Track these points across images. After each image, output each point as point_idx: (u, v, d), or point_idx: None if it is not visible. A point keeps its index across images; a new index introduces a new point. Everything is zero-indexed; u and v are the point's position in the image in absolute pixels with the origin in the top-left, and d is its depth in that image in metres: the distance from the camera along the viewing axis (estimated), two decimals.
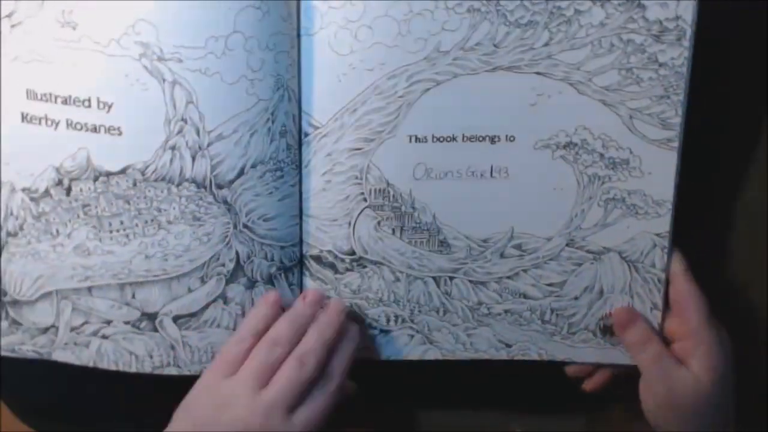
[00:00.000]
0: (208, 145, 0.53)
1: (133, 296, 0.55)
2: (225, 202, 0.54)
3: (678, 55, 0.53)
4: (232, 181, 0.54)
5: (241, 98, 0.52)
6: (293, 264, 0.58)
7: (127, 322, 0.56)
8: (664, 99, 0.54)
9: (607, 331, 0.58)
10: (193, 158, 0.53)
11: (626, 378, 0.57)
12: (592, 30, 0.53)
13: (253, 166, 0.54)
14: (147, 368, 0.56)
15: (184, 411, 0.51)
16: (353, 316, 0.58)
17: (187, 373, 0.56)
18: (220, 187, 0.54)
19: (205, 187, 0.53)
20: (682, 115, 0.54)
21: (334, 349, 0.53)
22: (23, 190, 0.54)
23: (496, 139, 0.55)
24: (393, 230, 0.57)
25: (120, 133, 0.52)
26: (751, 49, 0.59)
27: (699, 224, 0.56)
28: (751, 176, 0.61)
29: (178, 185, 0.53)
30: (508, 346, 0.59)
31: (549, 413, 0.66)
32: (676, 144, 0.54)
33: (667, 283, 0.55)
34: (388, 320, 0.59)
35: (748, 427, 0.57)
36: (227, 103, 0.52)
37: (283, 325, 0.53)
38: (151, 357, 0.56)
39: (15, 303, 0.56)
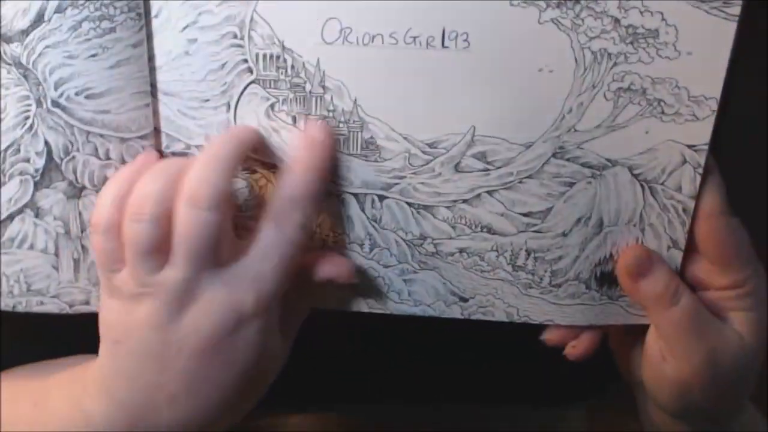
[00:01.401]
0: None
1: None
2: (18, 64, 0.38)
3: None
4: (26, 32, 0.38)
5: None
6: None
7: None
8: None
9: (605, 279, 0.45)
10: None
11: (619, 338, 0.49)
12: None
13: (60, 11, 0.37)
14: None
15: (102, 329, 0.41)
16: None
17: None
18: (8, 40, 0.38)
19: None
20: None
21: (290, 165, 0.41)
22: None
23: None
24: (294, 119, 0.41)
25: None
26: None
27: None
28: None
29: None
30: (463, 300, 0.45)
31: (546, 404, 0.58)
32: (736, 10, 0.38)
33: (694, 214, 0.44)
34: None
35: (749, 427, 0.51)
36: None
37: (143, 179, 0.39)
38: None
39: None
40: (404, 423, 0.57)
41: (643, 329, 0.45)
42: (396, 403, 0.56)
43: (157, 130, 0.41)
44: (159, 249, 0.39)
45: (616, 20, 0.39)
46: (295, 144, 0.41)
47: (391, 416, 0.56)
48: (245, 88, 0.40)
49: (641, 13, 0.38)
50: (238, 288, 0.39)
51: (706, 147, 0.41)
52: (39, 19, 0.38)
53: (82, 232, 0.42)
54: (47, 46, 0.38)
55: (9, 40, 0.38)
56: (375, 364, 0.51)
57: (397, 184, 0.42)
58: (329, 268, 0.43)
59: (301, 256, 0.42)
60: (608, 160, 0.42)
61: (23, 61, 0.38)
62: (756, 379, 0.46)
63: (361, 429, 0.55)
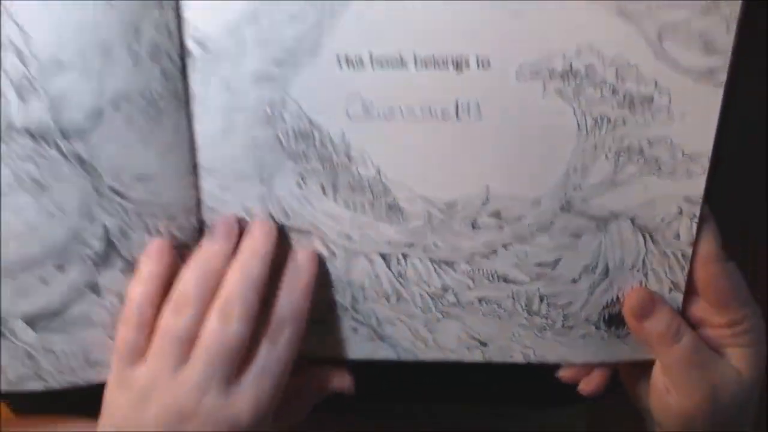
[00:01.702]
0: (43, 78, 0.39)
1: None
2: (79, 158, 0.41)
3: None
4: (85, 129, 0.40)
5: (85, 7, 0.39)
6: (191, 238, 0.44)
7: None
8: (711, 11, 0.40)
9: (613, 321, 0.47)
10: (21, 97, 0.39)
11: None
12: None
13: (115, 105, 0.40)
14: (3, 386, 0.45)
15: (104, 416, 0.43)
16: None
17: (56, 386, 0.45)
18: (68, 137, 0.40)
19: (46, 140, 0.40)
20: (734, 35, 0.40)
21: (279, 286, 0.44)
22: None
23: (464, 64, 0.41)
24: (322, 188, 0.44)
25: None
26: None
27: None
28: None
29: (4, 140, 0.40)
30: (484, 344, 0.48)
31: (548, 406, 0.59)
32: (722, 77, 0.41)
33: (692, 259, 0.46)
34: (323, 309, 0.47)
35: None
36: (65, 16, 0.39)
37: (186, 278, 0.42)
38: (5, 372, 0.44)
39: None
40: (404, 423, 0.57)
41: (651, 361, 0.47)
42: (396, 403, 0.57)
43: (198, 204, 0.44)
44: (187, 344, 0.41)
45: (614, 88, 0.41)
46: (322, 216, 0.44)
47: (391, 416, 0.56)
48: (277, 162, 0.43)
49: (636, 81, 0.41)
50: (238, 403, 0.42)
51: (701, 199, 0.43)
52: (97, 115, 0.40)
53: None
54: (105, 141, 0.40)
55: (68, 137, 0.40)
56: (375, 364, 0.52)
57: (419, 243, 0.45)
58: (334, 382, 0.48)
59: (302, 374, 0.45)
60: (612, 212, 0.44)
61: (83, 155, 0.40)
62: (755, 410, 0.47)
63: (361, 429, 0.56)
